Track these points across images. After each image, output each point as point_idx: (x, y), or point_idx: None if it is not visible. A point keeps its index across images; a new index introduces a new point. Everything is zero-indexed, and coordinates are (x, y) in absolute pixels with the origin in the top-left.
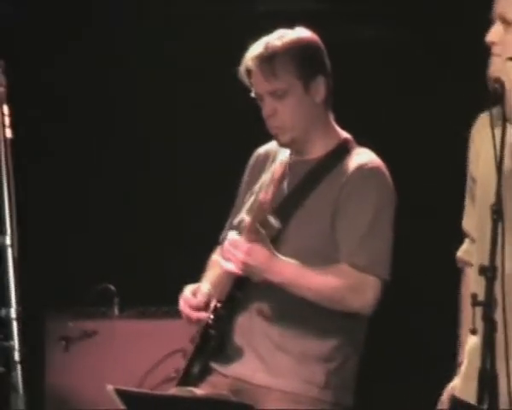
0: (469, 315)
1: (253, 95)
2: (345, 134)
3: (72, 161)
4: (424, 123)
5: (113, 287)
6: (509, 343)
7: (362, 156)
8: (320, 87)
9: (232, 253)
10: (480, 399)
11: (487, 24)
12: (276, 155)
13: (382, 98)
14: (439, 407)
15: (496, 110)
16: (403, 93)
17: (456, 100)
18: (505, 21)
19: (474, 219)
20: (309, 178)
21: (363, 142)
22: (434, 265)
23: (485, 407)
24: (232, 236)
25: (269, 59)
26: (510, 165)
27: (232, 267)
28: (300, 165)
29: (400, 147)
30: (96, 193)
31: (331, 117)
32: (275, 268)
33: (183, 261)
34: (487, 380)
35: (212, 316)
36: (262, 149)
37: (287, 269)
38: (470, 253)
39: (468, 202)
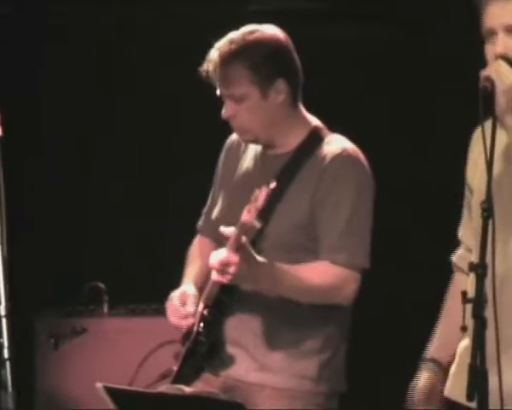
0: (449, 312)
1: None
2: (315, 121)
3: (63, 160)
4: (422, 125)
5: (102, 285)
6: (499, 341)
7: (336, 145)
8: (279, 90)
9: (222, 269)
10: (469, 396)
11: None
12: (248, 144)
13: (380, 98)
14: (414, 406)
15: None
16: (401, 93)
17: (454, 101)
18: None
19: (470, 229)
20: (285, 173)
21: (362, 143)
22: (424, 263)
23: (475, 404)
24: (219, 253)
25: (225, 65)
26: (502, 167)
27: (224, 280)
28: (275, 159)
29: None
30: (85, 192)
31: (300, 108)
32: (262, 274)
33: (172, 259)
34: (477, 377)
35: (201, 324)
36: (235, 136)
37: (273, 273)
38: (463, 258)
39: (464, 212)
